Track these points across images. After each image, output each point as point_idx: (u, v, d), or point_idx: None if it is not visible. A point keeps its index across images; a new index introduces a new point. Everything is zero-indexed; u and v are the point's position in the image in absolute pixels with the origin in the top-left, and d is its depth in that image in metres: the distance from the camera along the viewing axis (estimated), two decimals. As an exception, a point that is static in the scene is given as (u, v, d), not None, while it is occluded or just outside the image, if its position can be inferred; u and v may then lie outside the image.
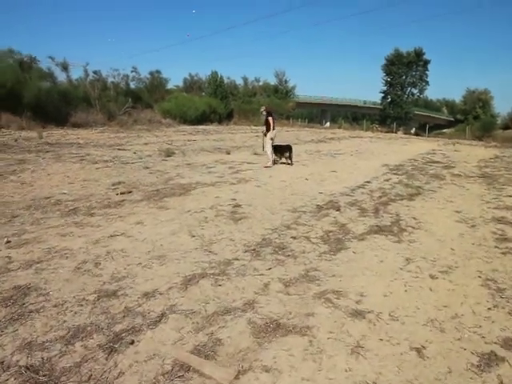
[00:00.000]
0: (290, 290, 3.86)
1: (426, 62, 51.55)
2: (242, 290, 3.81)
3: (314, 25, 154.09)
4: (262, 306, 3.50)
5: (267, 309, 3.47)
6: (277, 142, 13.02)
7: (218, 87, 46.23)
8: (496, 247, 5.57)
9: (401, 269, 4.60)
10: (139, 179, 9.27)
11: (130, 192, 7.86)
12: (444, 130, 54.62)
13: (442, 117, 67.94)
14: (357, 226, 6.26)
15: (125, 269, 4.17)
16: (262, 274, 4.19)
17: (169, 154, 14.12)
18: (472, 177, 12.35)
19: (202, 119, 38.83)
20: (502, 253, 5.34)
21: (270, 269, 4.36)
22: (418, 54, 50.88)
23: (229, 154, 15.39)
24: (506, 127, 45.05)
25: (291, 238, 5.51)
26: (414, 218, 6.91)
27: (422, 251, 5.24)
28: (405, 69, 50.90)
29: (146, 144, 17.51)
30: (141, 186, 8.56)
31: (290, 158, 12.94)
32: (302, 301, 3.66)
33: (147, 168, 11.01)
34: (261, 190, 8.54)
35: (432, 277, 4.41)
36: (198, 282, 3.92)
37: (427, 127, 43.32)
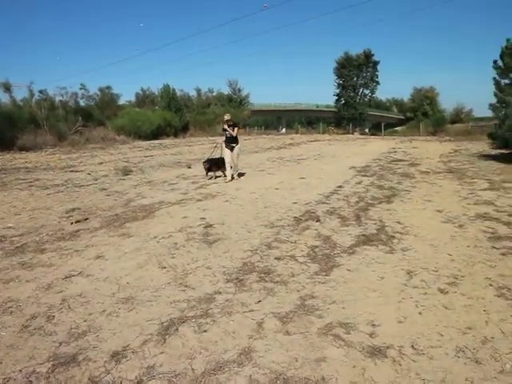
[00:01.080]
0: (289, 328, 3.24)
1: (376, 63, 52.70)
2: (233, 334, 3.15)
3: (263, 32, 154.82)
4: (262, 355, 2.86)
5: (268, 358, 2.83)
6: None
7: (171, 100, 45.31)
8: (493, 247, 5.22)
9: (405, 285, 4.09)
10: (96, 203, 8.40)
11: (87, 219, 7.02)
12: (396, 128, 55.85)
13: (393, 115, 69.48)
14: (342, 238, 5.74)
15: (85, 321, 3.42)
16: (252, 310, 3.55)
17: (126, 172, 13.23)
18: (440, 173, 12.24)
19: (157, 133, 37.76)
20: (502, 254, 4.98)
21: (259, 301, 3.72)
22: (367, 55, 51.92)
23: (190, 167, 14.66)
24: (453, 122, 46.57)
25: (275, 259, 4.90)
26: (399, 223, 6.50)
27: (420, 260, 4.78)
28: (356, 71, 51.79)
29: (100, 163, 16.47)
30: (98, 211, 7.71)
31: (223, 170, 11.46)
32: (307, 341, 3.05)
33: (104, 190, 10.13)
34: (231, 205, 7.90)
35: (442, 291, 3.92)
36: (177, 329, 3.23)
37: (382, 126, 44.00)
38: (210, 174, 11.55)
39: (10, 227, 6.70)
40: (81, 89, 39.93)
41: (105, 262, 4.87)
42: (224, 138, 11.19)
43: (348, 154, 19.51)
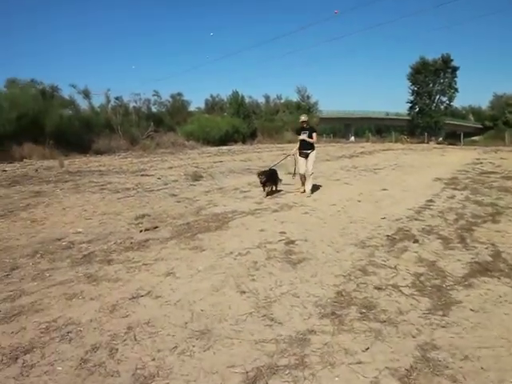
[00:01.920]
0: (416, 395, 2.39)
1: (455, 69, 49.59)
2: (342, 400, 2.36)
3: (333, 39, 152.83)
4: None
5: None
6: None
7: (239, 107, 45.54)
8: None
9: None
10: (166, 210, 7.97)
11: (156, 227, 6.54)
12: (474, 138, 52.16)
13: (470, 124, 65.27)
14: (451, 265, 4.76)
15: (153, 359, 2.80)
16: (361, 362, 2.75)
17: (196, 177, 12.87)
18: (546, 188, 10.62)
19: (225, 139, 38.01)
20: None
21: (367, 349, 2.90)
22: (446, 60, 48.99)
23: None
24: None
25: (375, 288, 4.05)
26: (518, 249, 5.34)
27: None
28: (432, 77, 49.04)
29: (170, 168, 16.36)
30: (168, 218, 7.24)
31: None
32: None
33: (174, 195, 9.73)
34: (311, 218, 7.12)
35: None
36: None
37: (462, 136, 41.17)
38: (267, 189, 9.53)
39: (80, 232, 6.38)
40: (154, 95, 41.14)
41: (176, 280, 4.27)
42: (297, 146, 9.58)
43: (428, 165, 18.01)
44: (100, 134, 28.18)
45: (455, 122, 61.46)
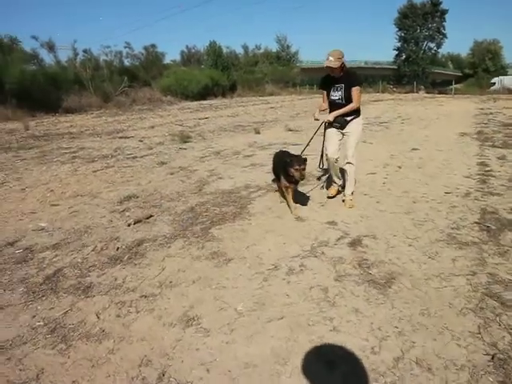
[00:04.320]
0: None
1: (443, 12, 47.01)
2: None
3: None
4: None
5: None
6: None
7: (217, 58, 42.64)
8: None
9: None
10: (158, 187, 6.09)
11: (150, 217, 4.70)
12: (455, 86, 50.57)
13: (450, 72, 63.42)
14: None
15: None
16: None
17: (184, 138, 10.88)
18: None
19: (204, 93, 35.42)
20: None
21: None
22: (435, 3, 46.28)
23: (258, 133, 12.08)
24: None
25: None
26: None
27: None
28: (420, 21, 46.45)
29: (152, 127, 14.20)
30: (163, 200, 5.39)
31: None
32: None
33: (163, 164, 7.79)
34: (358, 196, 5.31)
35: None
36: None
37: (453, 84, 39.52)
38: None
39: (43, 229, 4.46)
40: (125, 47, 37.75)
41: (204, 339, 2.48)
42: (326, 109, 4.95)
43: (436, 117, 16.33)
44: (69, 90, 25.22)
45: (436, 70, 59.64)
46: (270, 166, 7.11)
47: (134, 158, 8.59)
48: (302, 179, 4.50)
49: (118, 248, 3.85)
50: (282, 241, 3.89)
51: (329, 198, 5.29)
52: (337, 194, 5.37)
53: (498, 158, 7.61)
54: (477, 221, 4.36)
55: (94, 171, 7.29)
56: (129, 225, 4.48)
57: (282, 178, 4.62)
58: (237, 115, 18.91)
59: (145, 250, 3.82)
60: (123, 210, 5.01)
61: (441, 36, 47.56)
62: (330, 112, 4.85)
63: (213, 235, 4.09)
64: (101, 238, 4.13)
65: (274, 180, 5.64)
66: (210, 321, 2.62)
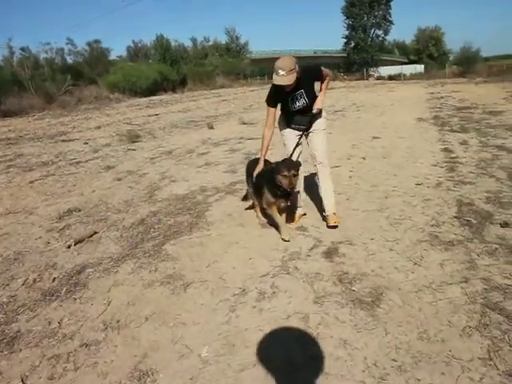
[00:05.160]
0: None
1: (389, 0, 47.72)
2: None
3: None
4: None
5: None
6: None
7: (165, 52, 41.45)
8: None
9: None
10: (103, 196, 5.42)
11: (94, 234, 4.05)
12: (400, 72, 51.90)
13: (396, 59, 65.02)
14: None
15: None
16: None
17: (133, 138, 10.16)
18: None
19: (154, 89, 34.32)
20: None
21: None
22: (381, -9, 46.89)
23: (212, 128, 11.49)
24: (458, 63, 43.03)
25: None
26: None
27: None
28: (367, 9, 46.93)
29: (98, 128, 13.29)
30: (109, 212, 4.75)
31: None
32: None
33: (110, 168, 7.09)
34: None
35: None
36: None
37: (402, 70, 40.25)
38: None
39: (-37, 258, 3.73)
40: (67, 44, 35.89)
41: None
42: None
43: (390, 103, 16.28)
44: (7, 92, 23.53)
45: (384, 57, 60.87)
46: (227, 165, 6.62)
47: (77, 163, 7.82)
48: (293, 189, 3.45)
49: (54, 279, 3.22)
50: (247, 255, 3.38)
51: (298, 218, 4.10)
52: (299, 217, 4.18)
53: (460, 144, 7.43)
54: (455, 215, 4.03)
55: (31, 182, 6.50)
56: (69, 246, 3.83)
57: (265, 191, 3.59)
58: (188, 110, 18.21)
59: (87, 278, 3.21)
60: (63, 228, 4.34)
61: (387, 23, 48.28)
62: (287, 122, 3.90)
63: (167, 253, 3.52)
64: (34, 267, 3.48)
65: (245, 197, 4.47)
66: (169, 375, 2.08)
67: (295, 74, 3.32)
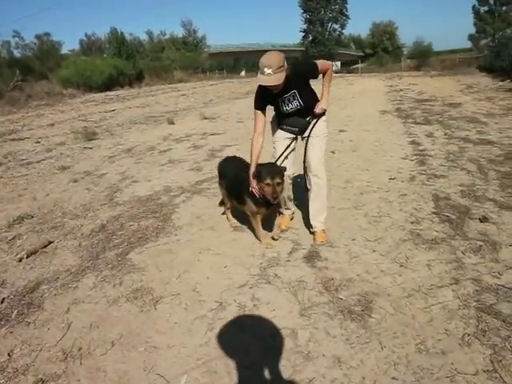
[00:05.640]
0: None
1: (345, -5, 48.26)
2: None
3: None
4: None
5: None
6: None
7: (120, 46, 40.10)
8: None
9: None
10: (58, 200, 4.99)
11: (48, 245, 3.66)
12: (358, 65, 52.82)
13: (353, 52, 66.35)
14: None
15: None
16: None
17: (89, 136, 9.60)
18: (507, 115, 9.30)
19: (109, 84, 33.10)
20: None
21: None
22: (337, -14, 47.32)
23: (172, 123, 11.08)
24: (411, 57, 44.31)
25: None
26: None
27: None
28: (324, 3, 47.23)
29: (51, 125, 12.55)
30: (66, 218, 4.34)
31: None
32: None
33: (65, 169, 6.61)
34: (302, 194, 4.62)
35: None
36: None
37: (360, 63, 40.86)
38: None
39: None
40: (14, 37, 33.97)
41: None
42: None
43: (351, 95, 16.32)
44: None
45: (341, 51, 61.81)
46: (191, 162, 6.30)
47: (28, 163, 7.26)
48: (276, 200, 3.04)
49: (3, 299, 2.83)
50: (221, 263, 3.10)
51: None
52: (290, 219, 3.88)
53: (427, 136, 7.42)
54: (433, 210, 3.91)
55: (-24, 186, 5.93)
56: (20, 259, 3.43)
57: (247, 199, 3.24)
58: (147, 105, 17.60)
59: (42, 296, 2.84)
60: (13, 238, 3.91)
61: (344, 17, 48.86)
62: (278, 122, 3.44)
63: (132, 263, 3.19)
64: (-22, 285, 3.06)
65: (222, 203, 4.01)
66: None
67: (284, 73, 2.89)
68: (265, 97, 3.17)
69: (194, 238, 3.59)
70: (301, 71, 3.15)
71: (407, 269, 2.88)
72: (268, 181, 2.96)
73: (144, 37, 49.05)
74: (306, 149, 3.35)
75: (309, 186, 3.42)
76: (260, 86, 3.11)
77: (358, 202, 4.25)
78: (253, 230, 3.52)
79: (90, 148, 8.39)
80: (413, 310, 2.42)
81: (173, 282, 2.87)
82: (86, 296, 2.79)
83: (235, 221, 3.83)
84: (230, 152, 7.06)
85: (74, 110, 17.49)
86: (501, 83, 17.17)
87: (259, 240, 3.39)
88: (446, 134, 7.45)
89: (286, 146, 3.37)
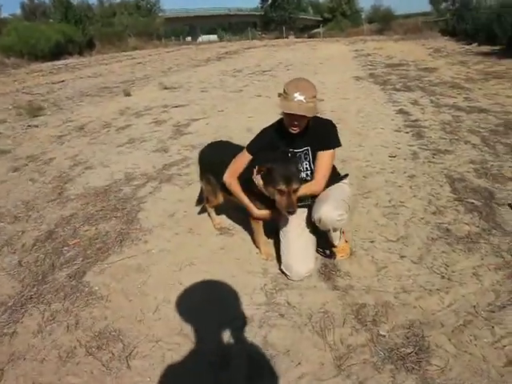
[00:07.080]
0: None
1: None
2: None
3: None
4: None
5: None
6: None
7: (67, 10, 37.34)
8: None
9: None
10: (-6, 195, 4.04)
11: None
12: (317, 30, 51.89)
13: (310, 17, 65.22)
14: None
15: None
16: None
17: (34, 112, 8.44)
18: (488, 80, 8.86)
19: (57, 52, 30.69)
20: None
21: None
22: None
23: (129, 95, 10.00)
24: (370, 21, 44.13)
25: None
26: None
27: None
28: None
29: (-11, 100, 11.12)
30: (3, 223, 3.45)
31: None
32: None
33: (4, 154, 5.62)
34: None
35: None
36: None
37: (321, 28, 39.94)
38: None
39: None
40: None
41: None
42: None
43: (319, 61, 15.53)
44: None
45: (301, 16, 60.50)
46: (155, 142, 5.44)
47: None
48: (293, 213, 2.17)
49: None
50: (212, 286, 2.36)
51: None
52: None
53: (413, 104, 6.86)
54: (453, 196, 3.29)
55: None
56: None
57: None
58: (100, 75, 16.23)
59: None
60: None
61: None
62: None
63: (91, 290, 2.39)
64: None
65: (200, 202, 3.22)
66: None
67: (316, 107, 2.21)
68: (270, 145, 2.39)
69: (169, 247, 2.80)
70: (323, 128, 2.39)
71: (452, 281, 2.23)
72: (281, 186, 2.12)
73: (93, 1, 45.81)
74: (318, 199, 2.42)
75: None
76: (269, 132, 2.44)
77: (363, 187, 3.58)
78: (243, 231, 2.77)
79: (36, 126, 7.31)
80: (479, 347, 1.79)
81: (148, 318, 2.10)
82: (29, 347, 1.99)
83: (220, 220, 3.07)
84: (198, 127, 6.22)
85: (18, 81, 15.84)
86: (467, 47, 16.86)
87: (258, 248, 2.64)
88: (432, 102, 6.89)
89: (300, 233, 2.45)
